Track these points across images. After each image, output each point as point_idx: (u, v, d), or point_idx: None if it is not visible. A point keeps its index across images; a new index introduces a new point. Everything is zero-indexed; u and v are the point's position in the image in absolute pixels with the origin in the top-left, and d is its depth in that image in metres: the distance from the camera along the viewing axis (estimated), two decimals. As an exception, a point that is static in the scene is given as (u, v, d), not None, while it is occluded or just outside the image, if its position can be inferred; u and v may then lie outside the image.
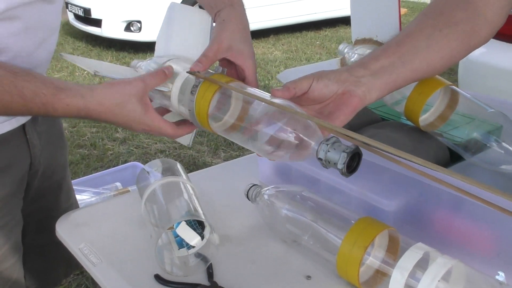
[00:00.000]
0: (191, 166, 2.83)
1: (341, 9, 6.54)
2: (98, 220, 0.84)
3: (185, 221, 0.72)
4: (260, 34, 5.98)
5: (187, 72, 0.73)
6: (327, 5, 6.31)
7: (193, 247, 0.73)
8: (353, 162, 0.59)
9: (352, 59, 1.00)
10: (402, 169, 0.72)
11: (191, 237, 0.72)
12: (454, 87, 0.84)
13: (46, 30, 0.79)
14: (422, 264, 0.59)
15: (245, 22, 0.79)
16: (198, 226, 0.74)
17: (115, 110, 0.70)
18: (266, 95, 0.67)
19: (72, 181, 2.24)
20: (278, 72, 4.63)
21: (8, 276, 0.91)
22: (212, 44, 0.75)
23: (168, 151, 2.97)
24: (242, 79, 0.77)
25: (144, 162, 2.70)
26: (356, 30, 1.00)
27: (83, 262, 0.74)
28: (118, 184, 2.25)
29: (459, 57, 0.73)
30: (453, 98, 0.85)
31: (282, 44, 5.82)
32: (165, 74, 0.73)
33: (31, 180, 0.92)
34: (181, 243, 0.73)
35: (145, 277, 0.70)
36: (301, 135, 0.61)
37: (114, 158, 2.88)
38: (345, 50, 1.01)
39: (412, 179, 0.72)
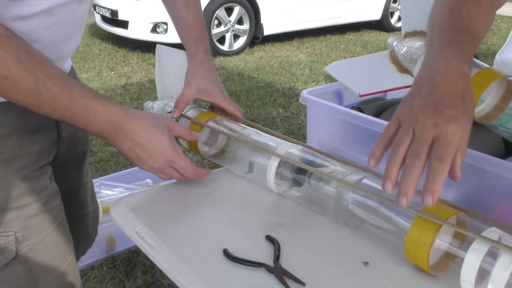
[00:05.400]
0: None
1: (366, 14, 6.53)
2: (151, 205, 0.84)
3: None
4: (284, 38, 6.00)
5: (172, 116, 0.97)
6: (352, 9, 6.30)
7: None
8: None
9: (402, 52, 0.99)
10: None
11: None
12: (510, 78, 0.83)
13: (73, 27, 0.86)
14: (494, 249, 0.58)
15: (208, 67, 0.99)
16: None
17: (147, 127, 0.80)
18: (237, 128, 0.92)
19: (104, 177, 2.29)
20: (303, 75, 4.64)
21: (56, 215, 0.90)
22: (184, 90, 0.97)
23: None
24: (222, 110, 0.99)
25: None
26: (406, 23, 1.00)
27: (140, 244, 0.75)
28: (149, 180, 2.27)
29: None
30: (509, 89, 0.84)
31: (306, 48, 5.83)
32: (192, 136, 0.89)
33: (58, 148, 0.93)
34: None
35: (203, 257, 0.70)
36: None
37: (143, 156, 2.90)
38: (394, 43, 1.01)
39: (471, 167, 0.72)
